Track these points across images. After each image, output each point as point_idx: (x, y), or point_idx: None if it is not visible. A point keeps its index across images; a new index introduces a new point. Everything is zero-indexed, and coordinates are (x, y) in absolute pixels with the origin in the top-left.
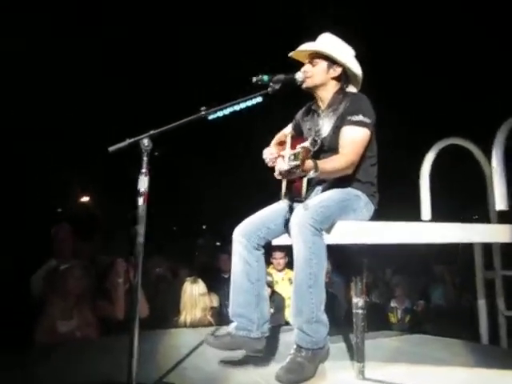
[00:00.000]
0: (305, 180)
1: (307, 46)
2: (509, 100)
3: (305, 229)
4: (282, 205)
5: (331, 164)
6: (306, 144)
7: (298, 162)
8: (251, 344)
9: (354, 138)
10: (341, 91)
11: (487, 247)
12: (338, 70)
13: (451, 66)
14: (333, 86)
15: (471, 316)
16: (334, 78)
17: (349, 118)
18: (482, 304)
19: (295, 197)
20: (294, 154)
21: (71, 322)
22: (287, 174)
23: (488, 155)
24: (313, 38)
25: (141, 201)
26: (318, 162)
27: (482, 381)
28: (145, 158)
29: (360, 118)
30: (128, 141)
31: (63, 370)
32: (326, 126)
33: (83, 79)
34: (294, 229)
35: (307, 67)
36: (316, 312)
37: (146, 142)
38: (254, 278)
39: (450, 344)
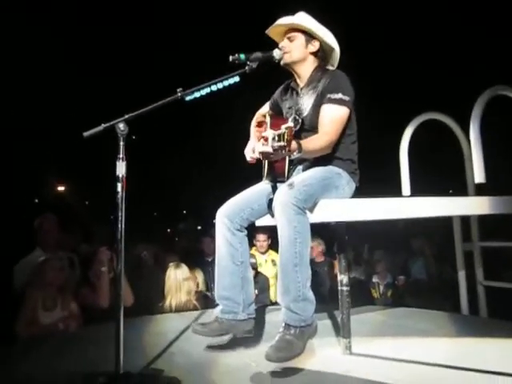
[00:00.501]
0: (287, 160)
1: (285, 20)
2: (485, 73)
3: (288, 208)
4: (264, 185)
5: (313, 143)
6: (290, 124)
7: (283, 143)
8: (239, 326)
9: (334, 117)
10: (319, 68)
11: (464, 219)
12: (316, 45)
13: (428, 40)
14: (311, 62)
15: (451, 287)
16: (312, 53)
17: (328, 95)
18: (461, 275)
19: (278, 177)
20: (279, 135)
21: (54, 313)
22: (271, 155)
23: (466, 129)
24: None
25: (119, 186)
26: (301, 142)
27: (464, 350)
28: (121, 143)
29: (339, 95)
30: (103, 125)
31: (48, 363)
32: (305, 104)
33: (54, 66)
34: (277, 208)
35: (285, 43)
36: (302, 290)
37: (121, 126)
38: (238, 260)
39: (433, 316)
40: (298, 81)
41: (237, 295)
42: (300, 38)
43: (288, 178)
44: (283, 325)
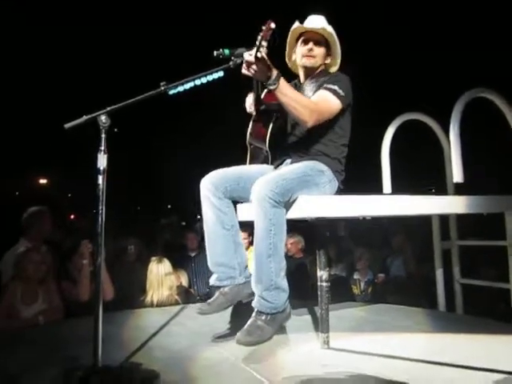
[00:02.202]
0: (269, 128)
1: (328, 27)
2: (466, 75)
3: (264, 201)
4: (255, 167)
5: (296, 95)
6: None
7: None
8: (241, 291)
9: (325, 98)
10: (323, 70)
11: (443, 218)
12: (328, 60)
13: (412, 41)
14: (319, 68)
15: (430, 285)
16: (324, 64)
17: (325, 85)
18: (439, 273)
19: (259, 143)
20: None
21: (34, 307)
22: (252, 64)
23: (447, 129)
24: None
25: (100, 179)
26: (285, 82)
27: (440, 345)
28: (103, 135)
29: (335, 87)
30: (85, 117)
31: (27, 356)
32: (305, 94)
33: (35, 58)
34: (254, 201)
35: (313, 46)
36: (275, 279)
37: (103, 118)
38: (228, 224)
39: (411, 312)
40: (301, 78)
41: (231, 260)
42: (323, 50)
43: (270, 147)
44: (255, 311)
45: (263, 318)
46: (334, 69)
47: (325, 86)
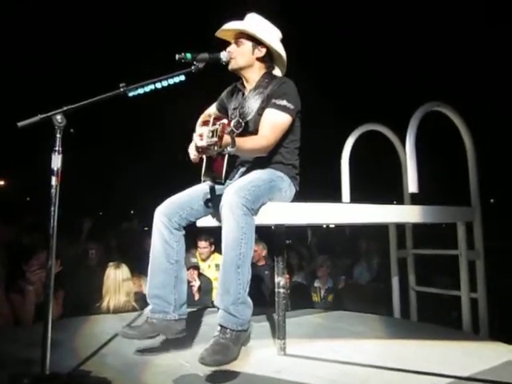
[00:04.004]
0: (225, 160)
1: (232, 25)
2: (423, 88)
3: (237, 208)
4: (205, 185)
5: (249, 143)
6: (225, 121)
7: (215, 139)
8: (170, 326)
9: (276, 122)
10: (267, 74)
11: (399, 228)
12: (262, 51)
13: (375, 52)
14: (258, 68)
15: (388, 292)
16: (258, 59)
17: (273, 101)
18: (395, 280)
19: (215, 177)
20: (212, 131)
21: None
22: (205, 150)
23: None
24: (240, 16)
25: (54, 180)
26: (237, 139)
27: (394, 351)
28: (58, 135)
29: (284, 102)
30: (40, 116)
31: None
32: (251, 108)
33: None
34: (225, 208)
35: (232, 47)
36: (243, 293)
37: (59, 118)
38: (173, 258)
39: (368, 319)
40: (245, 84)
41: (168, 294)
42: (246, 44)
43: (226, 178)
44: (219, 328)
45: (228, 335)
46: (279, 66)
47: (273, 101)
